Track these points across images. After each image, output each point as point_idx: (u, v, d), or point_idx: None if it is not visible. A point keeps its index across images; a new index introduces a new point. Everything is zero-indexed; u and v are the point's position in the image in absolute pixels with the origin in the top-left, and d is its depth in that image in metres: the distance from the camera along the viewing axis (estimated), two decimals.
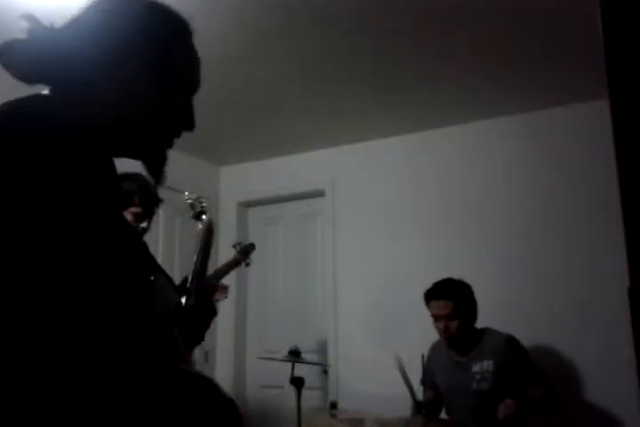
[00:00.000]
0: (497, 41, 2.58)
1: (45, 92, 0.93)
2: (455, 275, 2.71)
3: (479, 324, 2.66)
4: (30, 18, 0.93)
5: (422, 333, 2.84)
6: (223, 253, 3.79)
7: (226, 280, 2.51)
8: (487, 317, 2.68)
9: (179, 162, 4.25)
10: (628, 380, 1.65)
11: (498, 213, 3.29)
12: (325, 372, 3.60)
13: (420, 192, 3.54)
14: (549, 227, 3.16)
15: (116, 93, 0.91)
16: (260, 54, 2.70)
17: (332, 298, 3.67)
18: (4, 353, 0.68)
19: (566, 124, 3.21)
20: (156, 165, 1.00)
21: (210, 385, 0.86)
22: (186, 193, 1.96)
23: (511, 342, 2.57)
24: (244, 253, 2.59)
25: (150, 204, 2.15)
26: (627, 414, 2.72)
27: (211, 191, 4.24)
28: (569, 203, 3.13)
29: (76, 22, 0.97)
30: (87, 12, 0.97)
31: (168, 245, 3.63)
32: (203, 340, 1.48)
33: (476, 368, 2.54)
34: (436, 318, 2.62)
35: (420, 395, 2.58)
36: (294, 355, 2.80)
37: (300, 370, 2.82)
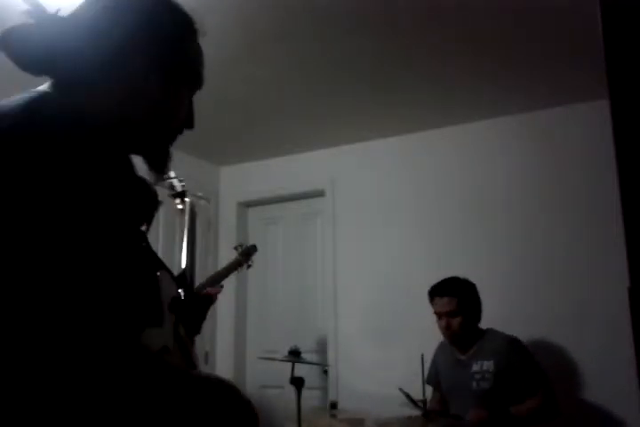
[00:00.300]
0: (497, 41, 2.58)
1: (44, 87, 0.92)
2: (455, 275, 2.72)
3: (481, 325, 2.66)
4: (34, 2, 0.90)
5: (422, 333, 2.85)
6: (223, 254, 3.80)
7: (225, 280, 2.51)
8: (487, 316, 2.68)
9: (179, 162, 4.24)
10: (628, 380, 1.65)
11: (498, 213, 3.29)
12: (325, 372, 3.60)
13: (420, 192, 3.54)
14: (549, 227, 3.16)
15: (120, 92, 0.90)
16: (260, 54, 2.70)
17: (331, 298, 3.67)
18: (12, 348, 0.69)
19: (566, 124, 3.21)
20: (159, 162, 0.99)
21: (230, 389, 0.86)
22: (170, 174, 1.88)
23: (513, 343, 2.56)
24: (246, 254, 2.59)
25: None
26: (627, 414, 2.72)
27: (211, 191, 4.24)
28: (569, 203, 3.13)
29: (80, 15, 0.93)
30: (91, 4, 0.94)
31: (168, 244, 3.63)
32: (199, 332, 1.47)
33: (475, 368, 2.54)
34: (439, 315, 2.62)
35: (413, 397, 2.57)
36: (294, 355, 2.80)
37: (300, 370, 2.82)
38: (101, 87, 0.89)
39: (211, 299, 1.85)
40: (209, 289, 2.39)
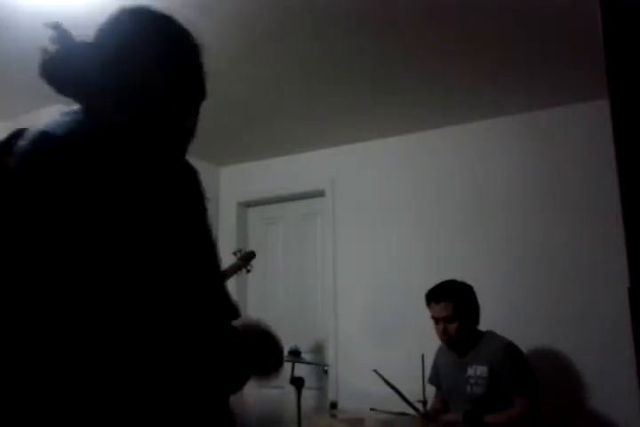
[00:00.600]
0: (497, 41, 2.58)
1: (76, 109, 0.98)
2: (455, 275, 2.71)
3: (481, 326, 2.66)
4: (58, 28, 0.96)
5: (422, 333, 2.84)
6: (223, 254, 3.79)
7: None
8: (487, 317, 2.68)
9: None
10: (629, 380, 1.65)
11: (498, 213, 3.29)
12: (325, 372, 3.60)
13: (420, 192, 3.54)
14: (549, 227, 3.16)
15: (147, 115, 0.97)
16: (260, 54, 2.70)
17: (331, 298, 3.67)
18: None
19: (566, 124, 3.21)
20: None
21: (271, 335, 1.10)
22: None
23: (509, 348, 2.52)
24: (245, 259, 2.59)
25: None
26: (627, 414, 2.71)
27: (211, 191, 4.22)
28: (569, 203, 3.13)
29: (104, 41, 1.00)
30: (112, 30, 1.01)
31: None
32: None
33: (470, 372, 2.53)
34: (436, 320, 2.62)
35: (414, 397, 2.57)
36: (294, 355, 2.80)
37: (300, 370, 2.82)
38: (129, 109, 0.96)
39: None
40: None
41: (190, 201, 0.91)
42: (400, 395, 2.51)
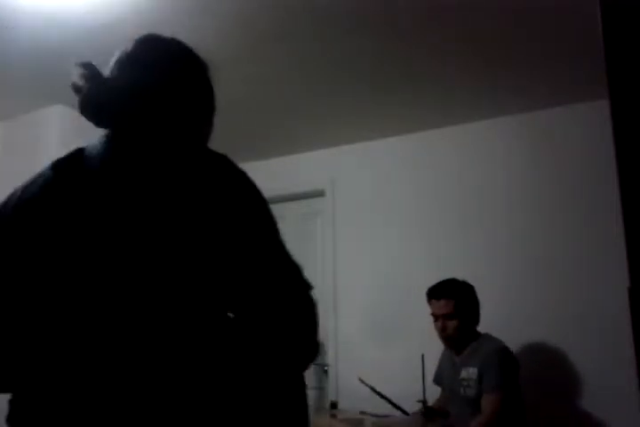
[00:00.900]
0: (497, 41, 2.58)
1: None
2: (455, 275, 2.72)
3: (480, 326, 2.66)
4: (87, 66, 1.05)
5: (422, 333, 2.85)
6: None
7: None
8: (487, 317, 2.68)
9: None
10: (628, 380, 1.65)
11: (498, 213, 3.29)
12: (325, 372, 3.60)
13: (420, 192, 3.54)
14: (549, 227, 3.16)
15: (187, 136, 1.10)
16: (259, 54, 2.70)
17: (331, 298, 3.67)
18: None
19: (566, 124, 3.21)
20: None
21: None
22: None
23: (499, 351, 2.49)
24: None
25: None
26: (627, 414, 2.71)
27: None
28: (569, 203, 3.13)
29: (128, 73, 1.10)
30: (133, 61, 1.11)
31: None
32: None
33: (464, 374, 2.52)
34: (436, 317, 2.62)
35: (414, 397, 2.57)
36: None
37: None
38: (161, 131, 1.07)
39: None
40: None
41: (242, 197, 1.04)
42: (388, 401, 2.51)
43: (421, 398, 2.55)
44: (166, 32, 2.69)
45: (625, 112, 0.85)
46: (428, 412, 2.49)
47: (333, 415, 2.73)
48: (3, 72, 2.85)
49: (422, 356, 2.59)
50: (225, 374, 0.93)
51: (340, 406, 3.15)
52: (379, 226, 3.63)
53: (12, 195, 1.08)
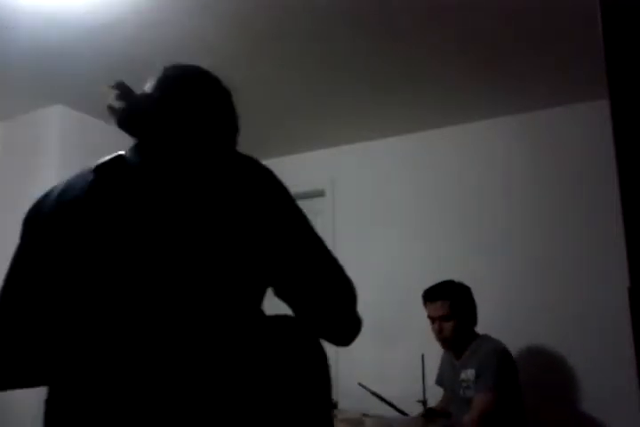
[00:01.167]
0: (497, 41, 2.58)
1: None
2: (455, 275, 2.71)
3: (480, 326, 2.65)
4: (120, 85, 1.14)
5: (422, 333, 2.84)
6: None
7: None
8: (486, 317, 2.68)
9: None
10: (628, 380, 1.65)
11: (497, 213, 3.29)
12: None
13: (420, 192, 3.54)
14: (549, 227, 3.16)
15: (214, 143, 1.19)
16: (259, 54, 2.70)
17: None
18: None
19: (566, 124, 3.21)
20: None
21: None
22: None
23: (496, 352, 2.48)
24: None
25: None
26: (627, 414, 2.71)
27: None
28: (569, 203, 3.13)
29: (160, 93, 1.18)
30: (164, 84, 1.20)
31: None
32: None
33: (463, 375, 2.52)
34: (432, 319, 2.62)
35: (414, 397, 2.57)
36: None
37: None
38: (193, 146, 1.12)
39: None
40: None
41: (273, 197, 1.09)
42: (389, 404, 2.51)
43: (421, 398, 2.55)
44: (166, 32, 2.70)
45: (625, 112, 0.85)
46: (428, 413, 2.49)
47: (334, 415, 2.73)
48: (3, 72, 2.85)
49: (422, 356, 2.59)
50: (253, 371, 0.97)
51: (340, 406, 3.14)
52: (379, 226, 3.63)
53: (48, 195, 1.12)
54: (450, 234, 3.39)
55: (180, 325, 0.94)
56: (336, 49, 2.65)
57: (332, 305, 1.09)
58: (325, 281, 1.08)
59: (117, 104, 1.12)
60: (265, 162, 3.77)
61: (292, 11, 2.35)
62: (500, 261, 3.22)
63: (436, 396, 2.79)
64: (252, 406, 0.93)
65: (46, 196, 1.13)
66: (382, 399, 2.54)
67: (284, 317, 1.08)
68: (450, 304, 2.56)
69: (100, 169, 1.09)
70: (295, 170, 3.93)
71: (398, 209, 3.59)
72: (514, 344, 2.71)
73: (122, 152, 1.13)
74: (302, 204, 1.12)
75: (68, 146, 3.25)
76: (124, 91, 1.13)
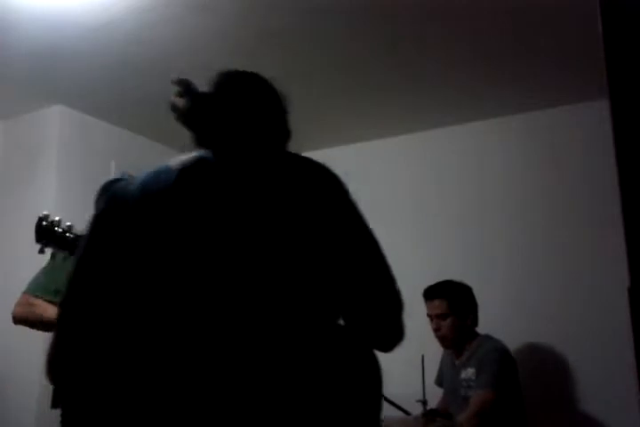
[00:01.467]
0: (497, 41, 2.59)
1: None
2: (455, 275, 2.71)
3: (481, 326, 2.65)
4: (182, 82, 1.17)
5: (422, 333, 2.84)
6: None
7: None
8: (487, 317, 2.68)
9: None
10: (628, 380, 1.65)
11: (498, 213, 3.29)
12: None
13: (420, 192, 3.54)
14: (549, 226, 3.16)
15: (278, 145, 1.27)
16: (260, 54, 2.70)
17: None
18: None
19: (566, 124, 3.21)
20: None
21: None
22: None
23: (497, 352, 2.48)
24: None
25: None
26: (626, 414, 2.71)
27: None
28: (569, 203, 3.13)
29: (220, 93, 1.22)
30: (223, 86, 1.25)
31: None
32: None
33: (463, 375, 2.52)
34: (430, 317, 2.62)
35: (414, 397, 2.57)
36: None
37: None
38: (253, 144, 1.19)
39: None
40: None
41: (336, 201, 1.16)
42: (391, 403, 2.49)
43: (421, 398, 2.55)
44: (166, 32, 2.70)
45: (625, 112, 0.85)
46: (429, 413, 2.48)
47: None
48: (3, 72, 2.85)
49: (422, 357, 2.58)
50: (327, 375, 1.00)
51: None
52: (379, 226, 3.61)
53: (124, 188, 1.09)
54: (449, 234, 3.38)
55: (257, 328, 0.96)
56: (336, 49, 2.65)
57: (383, 314, 1.16)
58: (382, 291, 1.15)
59: (179, 101, 1.13)
60: None
61: (292, 11, 2.35)
62: (500, 261, 3.22)
63: (436, 396, 2.79)
64: (315, 409, 0.96)
65: (122, 189, 1.09)
66: (385, 399, 2.53)
67: (341, 326, 1.10)
68: (447, 303, 2.57)
69: (185, 165, 1.10)
70: None
71: (398, 209, 3.58)
72: (514, 344, 2.71)
73: (199, 152, 1.13)
74: None
75: (68, 146, 3.25)
76: (186, 87, 1.15)
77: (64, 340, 1.04)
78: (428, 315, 2.63)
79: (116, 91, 3.06)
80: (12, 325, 2.29)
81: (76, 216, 2.54)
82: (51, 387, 2.26)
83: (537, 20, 2.41)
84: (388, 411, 2.63)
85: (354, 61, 2.76)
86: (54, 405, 2.23)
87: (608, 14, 0.87)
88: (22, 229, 3.22)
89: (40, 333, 2.31)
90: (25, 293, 2.29)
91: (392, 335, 1.19)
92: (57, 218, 1.73)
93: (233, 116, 1.17)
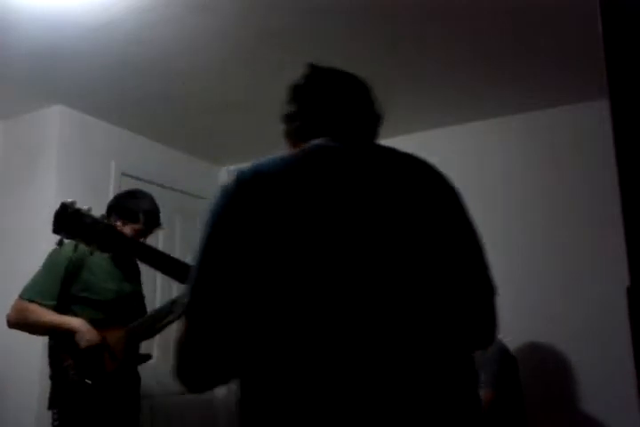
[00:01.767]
0: (497, 41, 2.58)
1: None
2: None
3: None
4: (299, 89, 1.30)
5: None
6: None
7: None
8: None
9: (179, 162, 4.26)
10: (628, 380, 1.65)
11: (497, 214, 3.29)
12: None
13: None
14: (549, 226, 3.16)
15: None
16: (260, 54, 2.70)
17: None
18: None
19: (566, 124, 3.21)
20: None
21: None
22: None
23: (497, 351, 2.51)
24: None
25: (152, 225, 2.36)
26: (627, 415, 2.71)
27: (211, 191, 4.23)
28: (569, 203, 3.13)
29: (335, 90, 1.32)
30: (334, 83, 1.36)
31: (168, 244, 3.63)
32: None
33: None
34: None
35: None
36: None
37: None
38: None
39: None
40: None
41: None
42: None
43: None
44: (166, 32, 2.69)
45: (625, 112, 0.85)
46: None
47: None
48: (3, 72, 2.85)
49: None
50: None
51: None
52: None
53: (259, 171, 1.04)
54: None
55: (392, 325, 0.93)
56: (336, 49, 2.65)
57: (485, 305, 1.12)
58: (484, 282, 1.14)
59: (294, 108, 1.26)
60: None
61: (292, 11, 2.35)
62: (500, 260, 3.19)
63: None
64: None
65: (247, 173, 1.04)
66: None
67: None
68: None
69: (305, 151, 1.11)
70: None
71: None
72: (514, 344, 2.71)
73: (316, 141, 1.14)
74: None
75: (68, 146, 3.25)
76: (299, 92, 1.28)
77: (199, 333, 0.94)
78: None
79: (116, 91, 3.06)
80: None
81: None
82: (50, 387, 2.27)
83: (537, 20, 2.41)
84: None
85: (354, 61, 2.75)
86: (51, 406, 2.23)
87: (608, 14, 0.87)
88: (22, 229, 3.23)
89: None
90: (20, 298, 2.28)
91: (493, 326, 1.15)
92: (85, 207, 1.52)
93: (345, 105, 1.25)
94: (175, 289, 3.31)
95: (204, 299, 0.95)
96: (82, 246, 2.39)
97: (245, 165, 1.06)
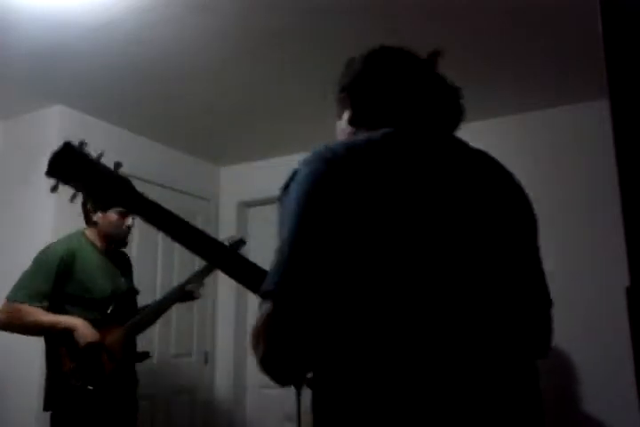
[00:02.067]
0: (497, 41, 2.58)
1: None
2: None
3: None
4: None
5: None
6: None
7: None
8: None
9: (179, 162, 4.26)
10: (628, 380, 1.65)
11: None
12: None
13: None
14: (549, 227, 3.14)
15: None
16: (260, 54, 2.70)
17: None
18: None
19: (566, 124, 3.21)
20: None
21: None
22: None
23: None
24: (235, 247, 2.54)
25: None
26: (627, 415, 2.71)
27: (211, 191, 4.24)
28: (568, 203, 3.13)
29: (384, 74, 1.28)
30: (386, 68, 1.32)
31: (167, 244, 3.63)
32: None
33: None
34: None
35: None
36: None
37: None
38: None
39: (192, 295, 2.22)
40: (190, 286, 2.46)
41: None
42: None
43: None
44: (166, 32, 2.69)
45: (625, 112, 0.85)
46: None
47: None
48: (3, 72, 2.85)
49: None
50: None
51: None
52: None
53: (334, 151, 1.01)
54: None
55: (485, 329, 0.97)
56: (336, 49, 2.65)
57: (543, 311, 1.19)
58: (543, 287, 1.21)
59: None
60: (265, 162, 3.80)
61: (292, 10, 2.35)
62: None
63: None
64: None
65: (329, 150, 1.01)
66: None
67: None
68: None
69: (388, 135, 1.08)
70: None
71: None
72: None
73: (390, 130, 1.10)
74: None
75: None
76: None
77: (294, 316, 0.88)
78: None
79: (116, 91, 3.06)
80: None
81: (77, 216, 2.54)
82: (44, 389, 2.26)
83: (537, 20, 2.41)
84: None
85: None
86: (46, 407, 2.21)
87: (608, 14, 0.87)
88: (22, 228, 3.23)
89: None
90: (9, 300, 2.26)
91: (549, 338, 1.21)
92: (94, 153, 1.27)
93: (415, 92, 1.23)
94: (175, 280, 3.31)
95: (301, 280, 0.88)
96: (72, 244, 2.39)
97: (330, 143, 1.06)
